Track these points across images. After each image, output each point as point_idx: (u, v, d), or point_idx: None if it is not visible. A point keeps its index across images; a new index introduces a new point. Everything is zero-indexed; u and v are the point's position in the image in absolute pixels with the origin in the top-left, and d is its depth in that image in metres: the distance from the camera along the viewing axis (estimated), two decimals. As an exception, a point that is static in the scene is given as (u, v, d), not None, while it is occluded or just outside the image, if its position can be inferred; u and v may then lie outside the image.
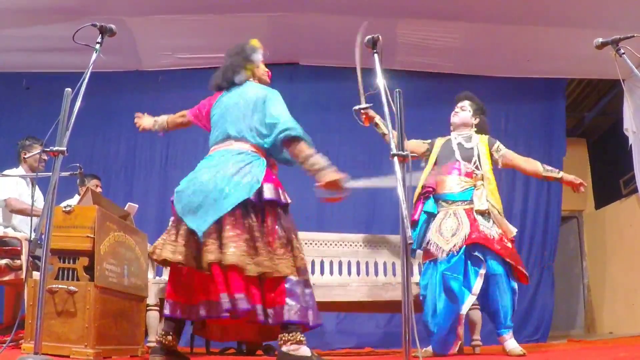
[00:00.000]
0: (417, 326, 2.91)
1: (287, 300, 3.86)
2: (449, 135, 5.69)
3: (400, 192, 2.99)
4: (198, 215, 3.97)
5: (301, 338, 3.84)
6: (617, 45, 4.07)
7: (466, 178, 5.34)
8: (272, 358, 5.99)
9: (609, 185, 10.23)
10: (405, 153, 3.12)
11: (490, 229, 5.15)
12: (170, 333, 4.07)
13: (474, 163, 5.38)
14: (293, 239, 4.16)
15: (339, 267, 6.49)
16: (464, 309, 5.06)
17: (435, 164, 5.54)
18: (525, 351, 4.96)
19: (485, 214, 5.23)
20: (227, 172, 4.08)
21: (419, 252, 6.52)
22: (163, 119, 5.46)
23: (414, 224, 5.41)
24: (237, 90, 4.63)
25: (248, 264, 3.80)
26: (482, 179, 5.33)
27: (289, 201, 4.33)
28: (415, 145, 5.69)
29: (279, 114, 4.36)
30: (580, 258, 11.22)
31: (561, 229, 9.79)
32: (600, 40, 4.15)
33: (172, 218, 4.17)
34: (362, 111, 4.80)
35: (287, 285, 3.88)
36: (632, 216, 9.21)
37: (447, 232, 5.16)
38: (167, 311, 4.02)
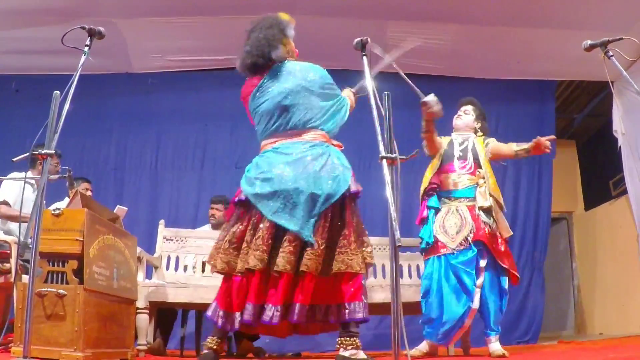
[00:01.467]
0: (406, 328, 2.91)
1: (360, 297, 3.81)
2: (448, 135, 5.79)
3: (389, 194, 2.99)
4: (295, 216, 3.80)
5: (359, 343, 3.78)
6: (605, 47, 4.08)
7: (469, 176, 5.45)
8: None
9: (598, 187, 10.26)
10: (394, 156, 3.13)
11: (491, 227, 5.26)
12: (220, 338, 3.96)
13: (475, 161, 5.46)
14: (364, 233, 4.04)
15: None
16: (476, 303, 5.13)
17: (440, 162, 5.61)
18: (507, 352, 5.00)
19: (487, 210, 5.28)
20: (311, 169, 3.91)
21: (409, 254, 6.57)
22: None
23: (424, 220, 5.53)
24: (285, 71, 4.29)
25: (321, 266, 3.77)
26: (484, 177, 5.39)
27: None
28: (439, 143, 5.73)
29: (338, 91, 4.33)
30: (571, 259, 11.25)
31: (551, 230, 9.81)
32: (589, 42, 4.16)
33: (234, 221, 4.00)
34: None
35: (356, 283, 3.82)
36: (622, 217, 9.23)
37: (452, 229, 5.28)
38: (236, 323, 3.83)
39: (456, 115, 5.84)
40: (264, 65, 4.29)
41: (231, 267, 3.84)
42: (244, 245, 3.85)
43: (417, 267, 6.57)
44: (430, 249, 5.36)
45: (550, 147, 5.61)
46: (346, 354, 3.73)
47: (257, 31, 4.42)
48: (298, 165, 3.91)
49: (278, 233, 3.81)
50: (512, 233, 5.49)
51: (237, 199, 4.00)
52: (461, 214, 5.30)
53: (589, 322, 10.41)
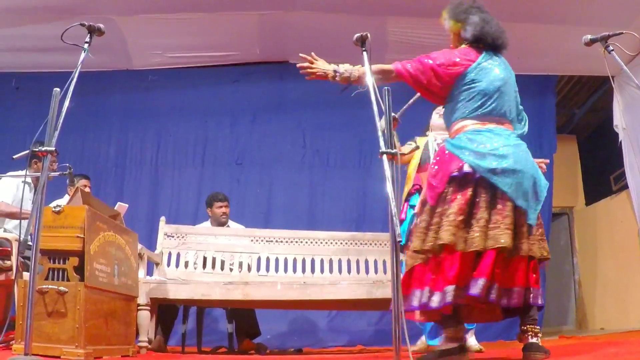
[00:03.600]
0: (407, 324, 2.91)
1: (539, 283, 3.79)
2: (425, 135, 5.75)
3: (390, 190, 2.99)
4: (526, 198, 3.72)
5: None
6: (605, 42, 4.07)
7: None
8: (263, 357, 6.00)
9: (599, 182, 10.25)
10: (394, 151, 3.12)
11: None
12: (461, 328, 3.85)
13: None
14: None
15: (330, 265, 6.52)
16: None
17: (419, 162, 5.57)
18: (484, 348, 5.00)
19: None
20: (530, 158, 3.87)
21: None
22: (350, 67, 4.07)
23: (401, 222, 5.30)
24: (500, 60, 4.14)
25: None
26: None
27: None
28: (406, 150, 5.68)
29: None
30: (571, 254, 11.24)
31: (552, 226, 9.81)
32: (589, 37, 4.15)
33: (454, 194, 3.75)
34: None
35: (538, 270, 3.79)
36: (623, 212, 9.23)
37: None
38: (449, 299, 3.57)
39: (436, 114, 5.74)
40: (499, 46, 4.14)
41: (461, 242, 3.63)
42: (475, 220, 3.67)
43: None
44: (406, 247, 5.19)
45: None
46: (535, 340, 3.68)
47: (488, 14, 4.18)
48: (520, 150, 3.85)
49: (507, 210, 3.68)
50: None
51: (458, 172, 3.74)
52: None
53: (590, 317, 10.41)
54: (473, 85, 3.93)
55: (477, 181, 3.71)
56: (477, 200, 3.69)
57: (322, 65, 4.10)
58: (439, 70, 3.93)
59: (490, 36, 4.04)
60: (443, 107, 4.22)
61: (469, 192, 3.69)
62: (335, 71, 4.02)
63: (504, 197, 3.67)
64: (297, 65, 4.13)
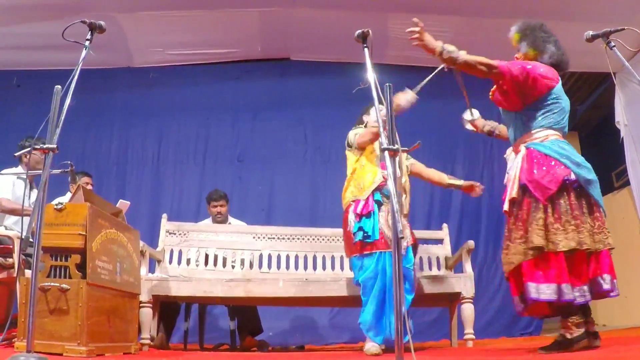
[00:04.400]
0: (409, 320, 2.91)
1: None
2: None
3: (391, 185, 2.99)
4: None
5: None
6: (607, 38, 4.07)
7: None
8: (265, 354, 6.00)
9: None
10: (396, 147, 3.12)
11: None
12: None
13: (400, 168, 5.41)
14: None
15: (332, 262, 6.53)
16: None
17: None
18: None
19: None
20: None
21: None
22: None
23: (369, 215, 5.14)
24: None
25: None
26: (405, 189, 5.52)
27: None
28: None
29: None
30: (573, 251, 11.22)
31: (554, 222, 9.79)
32: (591, 33, 4.15)
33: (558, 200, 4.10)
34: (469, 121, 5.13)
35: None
36: (624, 209, 9.21)
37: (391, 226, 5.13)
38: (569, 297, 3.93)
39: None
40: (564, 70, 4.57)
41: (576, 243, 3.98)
42: (582, 223, 4.04)
43: (420, 259, 6.56)
44: (375, 243, 5.04)
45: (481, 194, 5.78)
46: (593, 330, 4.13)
47: (557, 39, 4.63)
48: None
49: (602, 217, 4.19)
50: None
51: (568, 178, 4.09)
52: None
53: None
54: (558, 101, 4.29)
55: (577, 189, 4.12)
56: (580, 205, 4.10)
57: (429, 38, 4.32)
58: (540, 80, 4.19)
59: (565, 65, 4.50)
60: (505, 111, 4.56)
61: (573, 197, 4.09)
62: (443, 47, 4.27)
63: (597, 205, 4.17)
64: (406, 30, 4.27)
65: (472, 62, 4.21)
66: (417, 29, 4.26)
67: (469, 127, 5.21)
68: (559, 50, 4.46)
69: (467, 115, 5.23)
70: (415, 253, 5.46)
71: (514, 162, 4.32)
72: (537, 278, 3.98)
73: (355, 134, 5.36)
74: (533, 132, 4.29)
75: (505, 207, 4.25)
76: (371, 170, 5.25)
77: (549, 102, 4.27)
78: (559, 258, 3.95)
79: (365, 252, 5.03)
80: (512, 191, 4.21)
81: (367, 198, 5.14)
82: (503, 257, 4.26)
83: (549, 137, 4.24)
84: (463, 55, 4.22)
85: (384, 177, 5.19)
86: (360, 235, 5.03)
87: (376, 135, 5.10)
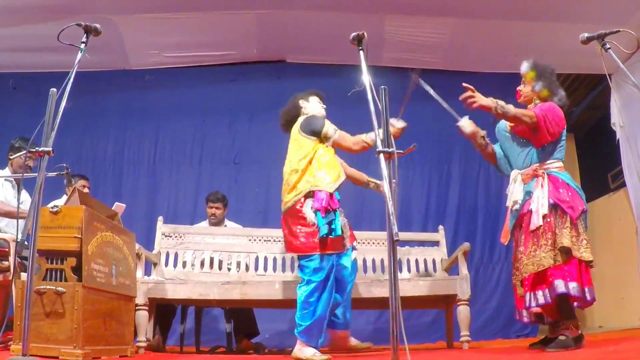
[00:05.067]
0: (405, 322, 2.91)
1: None
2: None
3: (387, 188, 2.99)
4: None
5: None
6: (602, 40, 4.08)
7: None
8: (262, 356, 6.00)
9: (597, 180, 10.24)
10: (391, 150, 3.12)
11: None
12: None
13: None
14: None
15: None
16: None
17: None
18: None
19: None
20: None
21: (408, 248, 6.54)
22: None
23: (334, 211, 4.96)
24: None
25: None
26: None
27: None
28: None
29: None
30: (570, 252, 11.22)
31: (550, 224, 9.79)
32: (586, 35, 4.17)
33: None
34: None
35: None
36: (620, 210, 9.21)
37: (345, 227, 5.17)
38: None
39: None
40: None
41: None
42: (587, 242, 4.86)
43: (416, 261, 6.57)
44: (332, 242, 4.89)
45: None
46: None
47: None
48: None
49: None
50: None
51: (584, 209, 4.78)
52: (343, 214, 5.18)
53: (588, 315, 10.39)
54: (564, 137, 4.92)
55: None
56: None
57: (481, 97, 4.73)
58: (563, 121, 4.82)
59: (565, 108, 4.96)
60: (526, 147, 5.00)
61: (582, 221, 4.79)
62: (497, 104, 4.70)
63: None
64: (461, 97, 4.74)
65: (519, 114, 4.68)
66: (469, 93, 4.71)
67: (468, 130, 5.19)
68: (564, 95, 4.98)
69: (466, 125, 5.21)
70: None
71: (536, 184, 4.79)
72: (564, 277, 4.54)
73: (333, 128, 5.14)
74: (549, 162, 4.85)
75: (540, 221, 4.65)
76: (334, 165, 5.13)
77: (561, 140, 4.89)
78: (581, 266, 4.67)
79: (327, 252, 4.82)
80: (542, 209, 4.67)
81: (332, 192, 4.98)
82: (526, 260, 4.69)
83: (562, 168, 4.86)
84: (512, 109, 4.69)
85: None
86: (325, 229, 4.79)
87: (360, 150, 5.19)
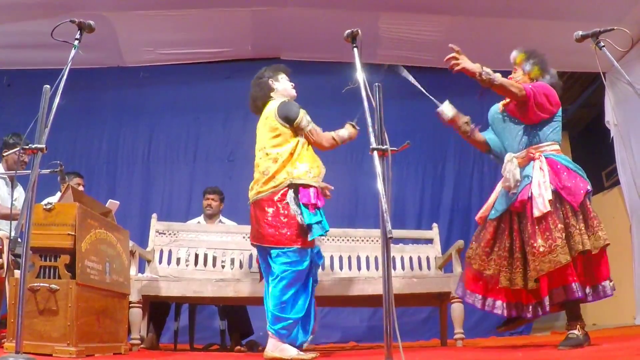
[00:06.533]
0: (398, 320, 2.91)
1: None
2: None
3: (380, 186, 2.99)
4: None
5: None
6: (597, 38, 4.09)
7: None
8: (255, 354, 6.00)
9: (591, 178, 10.05)
10: (385, 147, 3.12)
11: None
12: None
13: None
14: None
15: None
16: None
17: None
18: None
19: None
20: None
21: (402, 245, 6.55)
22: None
23: (317, 209, 4.79)
24: None
25: None
26: None
27: None
28: None
29: None
30: (564, 250, 11.24)
31: (544, 221, 9.80)
32: (581, 33, 4.17)
33: None
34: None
35: None
36: (614, 208, 9.24)
37: None
38: None
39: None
40: None
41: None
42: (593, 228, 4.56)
43: (410, 259, 6.57)
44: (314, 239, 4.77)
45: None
46: None
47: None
48: None
49: None
50: None
51: (588, 189, 4.55)
52: None
53: (583, 312, 10.40)
54: (559, 119, 4.75)
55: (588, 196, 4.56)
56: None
57: (467, 61, 4.56)
58: (555, 98, 4.66)
59: (558, 90, 4.83)
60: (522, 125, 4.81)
61: (588, 204, 4.54)
62: (482, 70, 4.53)
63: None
64: (445, 59, 4.56)
65: (506, 83, 4.52)
66: (455, 54, 4.52)
67: (448, 116, 5.05)
68: (555, 74, 4.93)
69: (447, 109, 5.10)
70: None
71: (534, 167, 4.57)
72: (575, 278, 4.34)
73: (307, 120, 4.95)
74: (545, 144, 4.66)
75: (548, 206, 4.39)
76: (315, 158, 4.98)
77: (555, 119, 4.71)
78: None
79: (307, 246, 4.67)
80: (547, 194, 4.41)
81: (318, 188, 4.81)
82: (544, 258, 4.35)
83: (559, 150, 4.69)
84: (499, 77, 4.51)
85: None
86: (318, 229, 4.66)
87: (329, 148, 5.05)
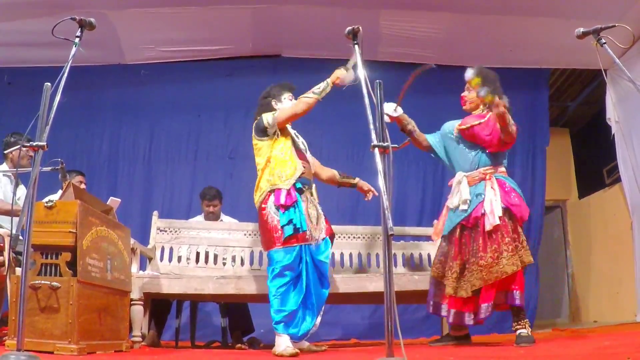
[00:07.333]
0: (400, 317, 2.91)
1: None
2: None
3: (382, 183, 2.99)
4: None
5: None
6: (598, 35, 4.08)
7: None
8: (256, 351, 6.00)
9: (592, 175, 10.26)
10: (386, 144, 3.12)
11: None
12: None
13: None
14: None
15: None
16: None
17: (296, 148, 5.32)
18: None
19: None
20: None
21: (403, 242, 6.54)
22: None
23: (294, 205, 4.95)
24: None
25: None
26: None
27: None
28: None
29: None
30: (565, 247, 11.25)
31: (545, 219, 9.82)
32: (582, 30, 4.16)
33: None
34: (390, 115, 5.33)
35: None
36: (616, 205, 9.24)
37: (314, 219, 5.09)
38: None
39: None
40: None
41: None
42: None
43: (411, 255, 6.58)
44: (297, 235, 4.87)
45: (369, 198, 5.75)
46: None
47: None
48: None
49: None
50: None
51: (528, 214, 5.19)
52: (315, 205, 5.16)
53: (583, 310, 10.43)
54: None
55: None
56: None
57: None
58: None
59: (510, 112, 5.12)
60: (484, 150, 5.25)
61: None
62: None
63: None
64: (495, 103, 4.90)
65: (511, 123, 5.02)
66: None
67: (387, 119, 5.14)
68: (508, 101, 5.13)
69: (389, 110, 5.30)
70: (332, 244, 5.31)
71: (486, 186, 5.07)
72: (521, 287, 4.92)
73: (272, 115, 5.15)
74: (497, 167, 5.20)
75: (497, 220, 4.87)
76: (290, 159, 5.10)
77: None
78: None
79: (288, 246, 4.79)
80: (497, 210, 4.91)
81: (290, 188, 4.97)
82: (492, 269, 4.85)
83: (506, 173, 5.25)
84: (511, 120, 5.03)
85: (303, 167, 5.13)
86: (290, 229, 4.81)
87: (305, 109, 5.11)
